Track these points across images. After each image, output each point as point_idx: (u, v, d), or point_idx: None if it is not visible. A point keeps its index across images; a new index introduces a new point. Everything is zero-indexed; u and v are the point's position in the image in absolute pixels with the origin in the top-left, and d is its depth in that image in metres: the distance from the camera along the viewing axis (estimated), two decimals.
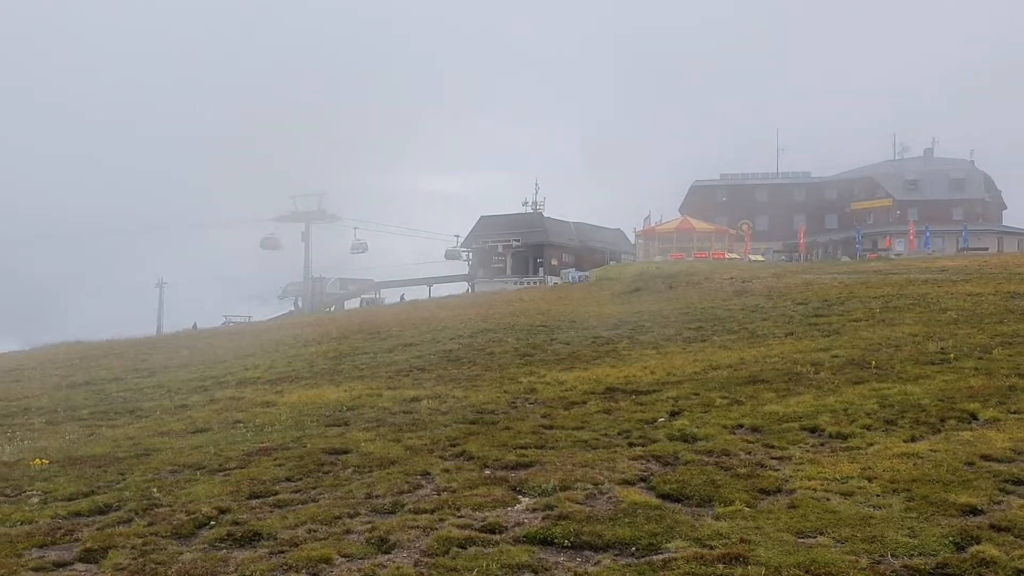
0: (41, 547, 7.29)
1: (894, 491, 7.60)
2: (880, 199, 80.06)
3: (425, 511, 7.64)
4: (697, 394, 12.64)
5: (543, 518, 7.33)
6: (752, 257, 60.38)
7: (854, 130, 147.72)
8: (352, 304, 71.44)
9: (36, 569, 6.71)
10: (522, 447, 9.90)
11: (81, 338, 42.72)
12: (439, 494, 8.21)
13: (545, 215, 76.62)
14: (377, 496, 8.19)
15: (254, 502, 8.25)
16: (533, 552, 6.57)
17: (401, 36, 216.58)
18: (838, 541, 6.47)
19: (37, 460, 10.71)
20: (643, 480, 8.48)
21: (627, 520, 7.16)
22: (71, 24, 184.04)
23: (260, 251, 74.65)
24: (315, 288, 73.23)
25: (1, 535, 7.64)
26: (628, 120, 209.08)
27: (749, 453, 9.28)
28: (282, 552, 6.74)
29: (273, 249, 73.83)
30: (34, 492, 9.26)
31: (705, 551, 6.38)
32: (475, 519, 7.39)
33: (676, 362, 15.90)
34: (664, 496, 7.90)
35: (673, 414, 11.44)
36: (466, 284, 71.44)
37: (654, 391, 13.18)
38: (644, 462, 9.14)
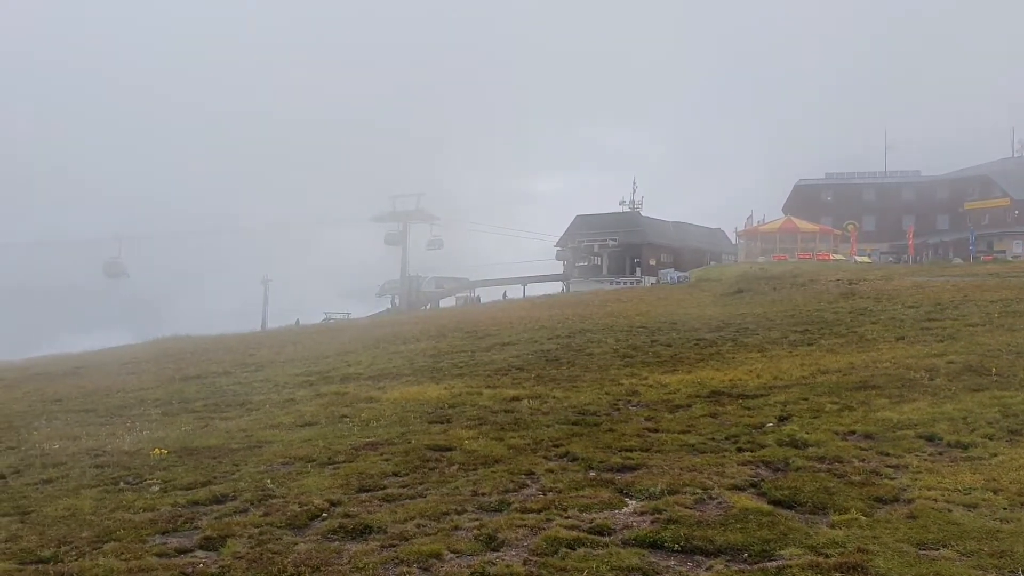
0: (163, 534, 7.58)
1: (1023, 504, 7.24)
2: (996, 199, 76.43)
3: (532, 511, 7.64)
4: (806, 399, 12.30)
5: (651, 521, 7.25)
6: (858, 258, 58.61)
7: (968, 128, 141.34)
8: (447, 303, 72.21)
9: (159, 555, 6.97)
10: (627, 449, 9.81)
11: (191, 332, 44.39)
12: (545, 494, 8.20)
13: (643, 214, 75.88)
14: (483, 494, 8.24)
15: (363, 495, 8.40)
16: (643, 555, 6.50)
17: (501, 38, 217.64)
18: (963, 555, 6.19)
19: (156, 450, 11.14)
20: (753, 486, 8.29)
21: (738, 526, 7.01)
22: (196, 26, 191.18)
23: (360, 249, 76.19)
24: (411, 287, 74.29)
25: (125, 521, 7.98)
26: (729, 119, 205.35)
27: (863, 460, 8.98)
28: (393, 546, 6.84)
29: (396, 245, 74.99)
30: (154, 481, 9.64)
31: (821, 559, 6.21)
32: (582, 520, 7.35)
33: (782, 366, 15.52)
34: (776, 502, 7.71)
35: (781, 419, 11.16)
36: (561, 284, 71.34)
37: (761, 395, 12.90)
38: (753, 467, 8.94)
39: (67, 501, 8.92)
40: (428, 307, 68.84)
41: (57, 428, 14.67)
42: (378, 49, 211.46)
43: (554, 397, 13.79)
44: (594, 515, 7.50)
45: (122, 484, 9.60)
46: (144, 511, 8.30)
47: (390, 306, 75.30)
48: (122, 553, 6.99)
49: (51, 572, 6.64)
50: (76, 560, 6.91)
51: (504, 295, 66.85)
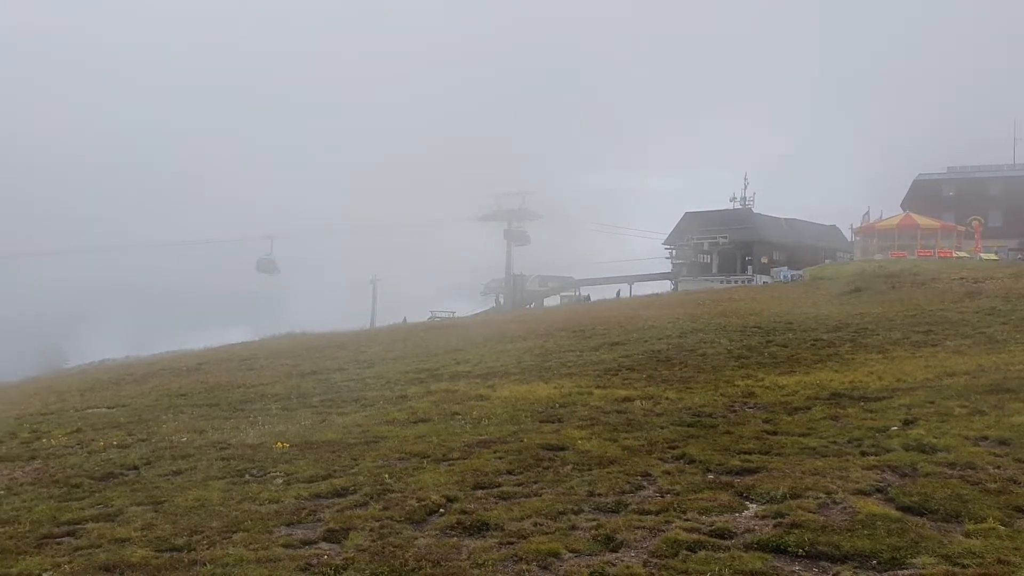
0: (288, 525, 7.81)
1: None
2: None
3: (650, 512, 7.56)
4: (932, 402, 11.78)
5: (774, 525, 7.07)
6: (983, 256, 55.86)
7: None
8: (551, 302, 72.23)
9: (285, 546, 7.18)
10: (745, 452, 9.60)
11: (305, 329, 45.70)
12: (662, 496, 8.10)
13: (754, 211, 74.17)
14: (599, 494, 8.19)
15: (479, 492, 8.46)
16: (766, 559, 6.35)
17: (609, 35, 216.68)
18: None
19: (279, 443, 11.50)
20: (879, 491, 7.99)
21: (866, 532, 6.77)
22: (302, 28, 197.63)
23: (465, 248, 76.92)
24: (515, 285, 74.58)
25: (252, 512, 8.25)
26: (843, 113, 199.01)
27: (998, 468, 8.53)
28: (511, 543, 6.87)
29: (524, 245, 75.53)
30: (278, 473, 9.95)
31: (957, 569, 5.94)
32: (702, 523, 7.23)
33: (905, 368, 14.93)
34: (904, 509, 7.41)
35: (907, 423, 10.72)
36: (669, 283, 70.45)
37: (883, 398, 12.43)
38: (879, 472, 8.61)
39: (196, 492, 9.29)
40: (532, 306, 69.03)
41: (184, 422, 15.30)
42: (488, 49, 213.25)
43: (667, 398, 13.61)
44: (714, 518, 7.36)
45: (247, 476, 9.94)
46: (269, 503, 8.57)
47: (494, 305, 75.84)
48: (250, 543, 7.23)
49: (185, 560, 6.91)
50: (207, 549, 7.18)
51: (618, 294, 66.32)
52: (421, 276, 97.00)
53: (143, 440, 13.47)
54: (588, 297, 67.04)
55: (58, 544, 7.79)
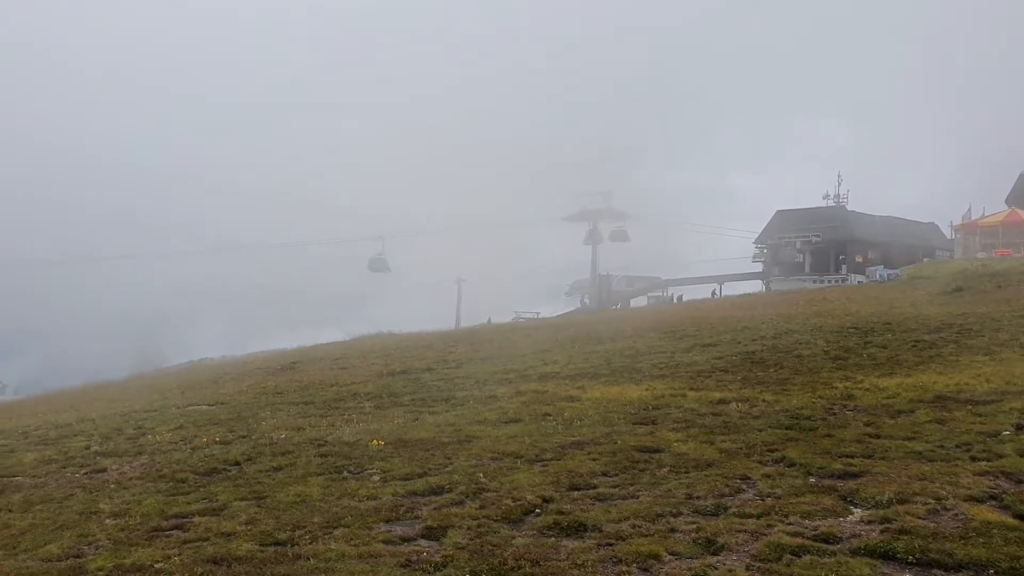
0: (387, 522, 7.91)
1: None
2: None
3: (751, 515, 7.42)
4: None
5: (881, 531, 6.85)
6: None
7: None
8: (638, 302, 71.59)
9: (385, 542, 7.28)
10: (847, 456, 9.33)
11: (393, 330, 46.35)
12: (763, 499, 7.93)
13: (848, 208, 72.11)
14: (698, 497, 8.07)
15: (575, 494, 8.43)
16: (875, 566, 6.16)
17: (698, 34, 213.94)
18: None
19: (374, 441, 11.68)
20: (993, 498, 7.67)
21: (981, 540, 6.51)
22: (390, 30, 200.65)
23: (549, 248, 76.78)
24: (601, 285, 74.13)
25: (352, 508, 8.40)
26: (942, 106, 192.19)
27: None
28: (610, 544, 6.82)
29: (623, 241, 75.20)
30: (374, 471, 10.10)
31: None
32: (806, 527, 7.05)
33: (1015, 370, 14.28)
34: (1021, 517, 7.09)
35: (1020, 427, 10.26)
36: (760, 283, 69.06)
37: (992, 401, 11.92)
38: (992, 478, 8.26)
39: (297, 488, 9.49)
40: (618, 306, 68.55)
41: (281, 419, 15.67)
42: (576, 50, 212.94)
43: (763, 400, 13.33)
44: (818, 522, 7.17)
45: (345, 473, 10.13)
46: (368, 499, 8.71)
47: (579, 305, 75.59)
48: (351, 539, 7.36)
49: (289, 554, 7.07)
50: (310, 544, 7.33)
51: (713, 294, 65.23)
52: (505, 277, 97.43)
53: (243, 437, 13.84)
54: (681, 297, 66.11)
55: (167, 537, 8.05)
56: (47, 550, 7.91)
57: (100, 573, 7.04)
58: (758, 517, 7.35)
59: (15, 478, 12.31)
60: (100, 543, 8.01)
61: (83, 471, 12.27)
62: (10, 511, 9.97)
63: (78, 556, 7.66)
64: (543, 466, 9.68)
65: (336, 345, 41.31)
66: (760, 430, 11.03)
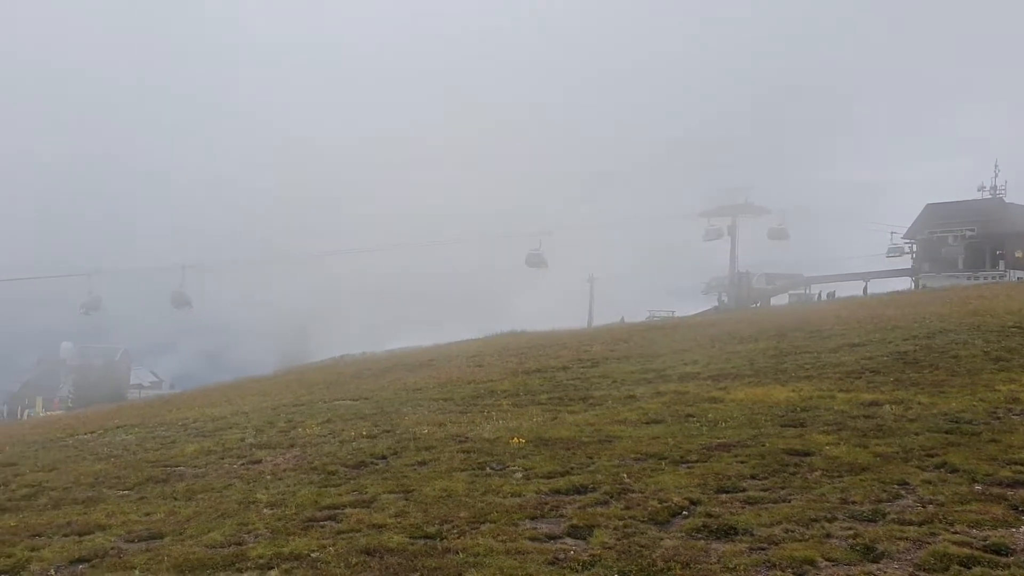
0: (532, 519, 7.95)
1: None
2: None
3: (911, 523, 7.08)
4: None
5: None
6: None
7: None
8: (779, 300, 69.40)
9: (531, 539, 7.32)
10: (1017, 463, 8.76)
11: (526, 328, 46.61)
12: (924, 506, 7.55)
13: (1007, 201, 67.71)
14: (853, 502, 7.75)
15: (723, 496, 8.25)
16: None
17: (840, 28, 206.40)
18: None
19: (515, 439, 11.76)
20: None
21: None
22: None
23: (683, 247, 75.29)
24: (740, 283, 72.22)
25: (496, 504, 8.48)
26: None
27: None
28: (762, 549, 6.64)
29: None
30: (516, 468, 10.17)
31: None
32: (974, 537, 6.67)
33: None
34: None
35: None
36: (909, 280, 65.74)
37: None
38: None
39: (442, 483, 9.67)
40: (758, 305, 66.70)
41: (423, 414, 16.01)
42: (718, 46, 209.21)
43: (919, 403, 12.68)
44: (987, 532, 6.77)
45: (488, 469, 10.24)
46: (512, 496, 8.78)
47: (717, 304, 73.92)
48: (498, 535, 7.43)
49: (439, 548, 7.20)
50: (458, 538, 7.45)
51: (865, 291, 62.45)
52: (638, 274, 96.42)
53: (387, 431, 14.21)
54: (833, 294, 63.60)
55: (321, 527, 8.35)
56: (211, 537, 8.33)
57: (260, 560, 7.36)
58: (920, 524, 7.00)
59: (178, 468, 13.05)
60: (259, 532, 8.37)
61: (240, 462, 12.88)
62: (175, 499, 10.58)
63: (239, 544, 8.03)
64: (688, 468, 9.51)
65: (471, 343, 41.88)
66: (917, 434, 10.50)
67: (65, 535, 9.12)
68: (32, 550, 8.50)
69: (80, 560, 7.99)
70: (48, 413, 74.94)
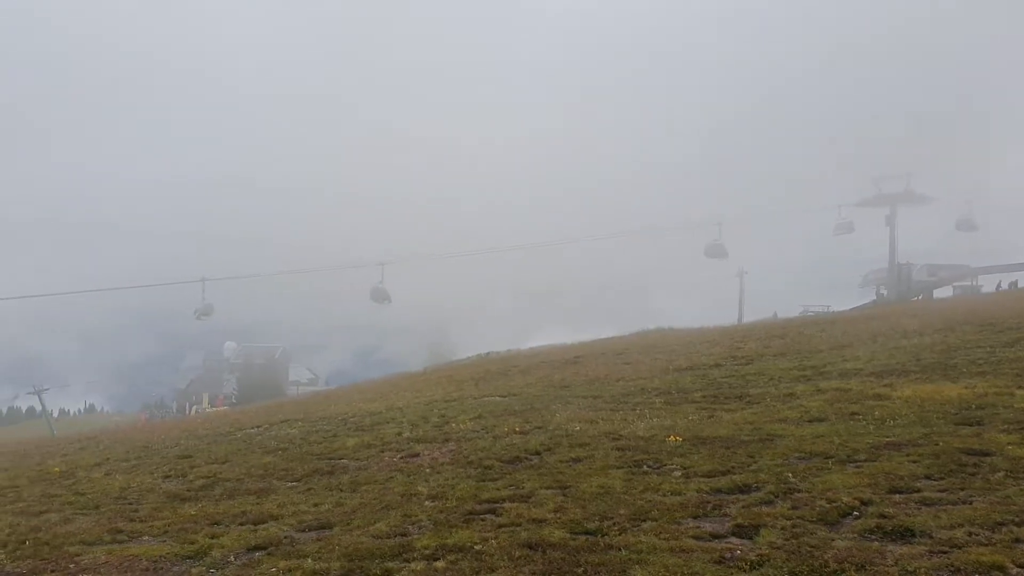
0: (694, 518, 7.80)
1: None
2: None
3: None
4: None
5: None
6: None
7: None
8: (942, 293, 65.66)
9: (695, 537, 7.17)
10: None
11: (673, 325, 45.95)
12: None
13: None
14: None
15: (896, 497, 7.84)
16: None
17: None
18: None
19: (671, 437, 11.58)
20: None
21: None
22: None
23: (837, 239, 71.99)
24: (900, 276, 68.68)
25: (657, 503, 8.36)
26: None
27: None
28: (943, 552, 6.27)
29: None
30: (674, 466, 10.01)
31: None
32: None
33: None
34: None
35: None
36: None
37: None
38: None
39: (598, 479, 9.63)
40: (920, 297, 63.34)
41: (573, 411, 16.01)
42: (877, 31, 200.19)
43: None
44: None
45: (645, 467, 10.12)
46: (672, 494, 8.64)
47: (875, 297, 70.64)
48: (660, 532, 7.32)
49: (600, 544, 7.16)
50: (619, 535, 7.38)
51: None
52: (788, 268, 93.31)
53: (539, 428, 14.29)
54: (1015, 283, 59.58)
55: (482, 520, 8.46)
56: (376, 528, 8.59)
57: (426, 551, 7.52)
58: None
59: (341, 460, 13.55)
60: (422, 523, 8.57)
61: (399, 455, 13.25)
62: (341, 491, 10.97)
63: (404, 535, 8.25)
64: (856, 467, 9.09)
65: (616, 340, 41.66)
66: None
67: (241, 524, 9.62)
68: (212, 537, 9.00)
69: (256, 548, 8.39)
70: (213, 409, 79.63)
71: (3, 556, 9.16)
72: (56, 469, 17.04)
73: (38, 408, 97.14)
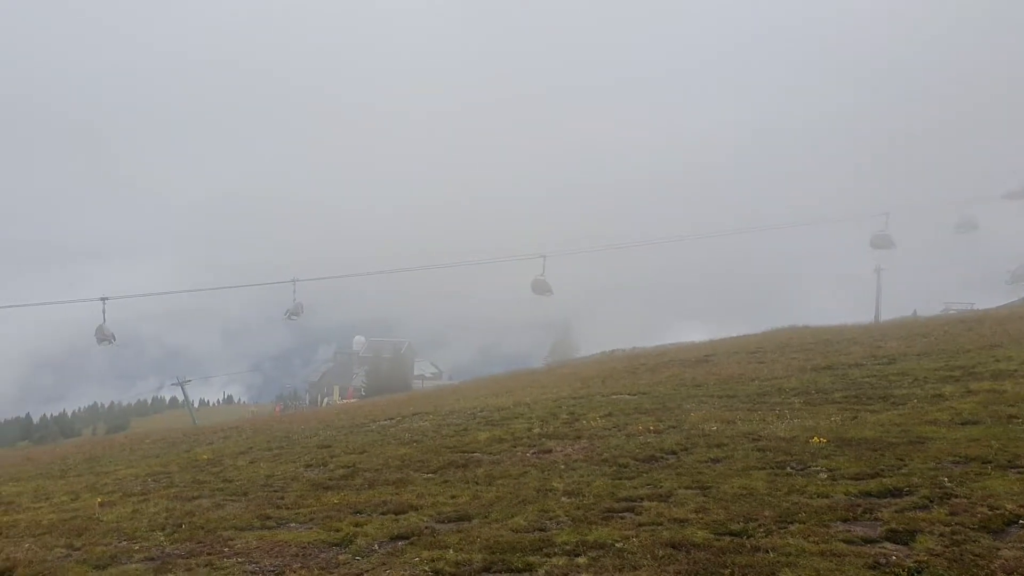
0: (844, 521, 7.51)
1: None
2: None
3: None
4: None
5: None
6: None
7: None
8: None
9: (846, 541, 6.91)
10: None
11: (807, 323, 44.41)
12: None
13: None
14: None
15: None
16: None
17: None
18: None
19: (815, 438, 11.20)
20: None
21: None
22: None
23: (959, 237, 68.08)
24: None
25: (803, 505, 8.10)
26: None
27: None
28: None
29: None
30: (819, 468, 9.67)
31: None
32: None
33: None
34: None
35: None
36: None
37: None
38: None
39: (740, 480, 9.40)
40: None
41: (708, 411, 15.71)
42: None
43: None
44: None
45: (788, 468, 9.82)
46: (818, 497, 8.35)
47: None
48: (808, 535, 7.09)
49: (746, 546, 6.99)
50: (765, 537, 7.18)
51: None
52: (927, 264, 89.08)
53: (673, 427, 14.09)
54: None
55: (621, 518, 8.40)
56: (515, 522, 8.64)
57: (566, 547, 7.52)
58: None
59: (474, 454, 13.71)
60: (560, 519, 8.57)
61: (531, 451, 13.30)
62: (476, 484, 11.10)
63: (542, 530, 8.26)
64: (1019, 473, 8.56)
65: (748, 338, 40.62)
66: None
67: (382, 513, 9.86)
68: (356, 525, 9.26)
69: (399, 537, 8.58)
70: (344, 401, 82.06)
71: (162, 538, 9.68)
72: (204, 456, 17.92)
73: (180, 398, 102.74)
